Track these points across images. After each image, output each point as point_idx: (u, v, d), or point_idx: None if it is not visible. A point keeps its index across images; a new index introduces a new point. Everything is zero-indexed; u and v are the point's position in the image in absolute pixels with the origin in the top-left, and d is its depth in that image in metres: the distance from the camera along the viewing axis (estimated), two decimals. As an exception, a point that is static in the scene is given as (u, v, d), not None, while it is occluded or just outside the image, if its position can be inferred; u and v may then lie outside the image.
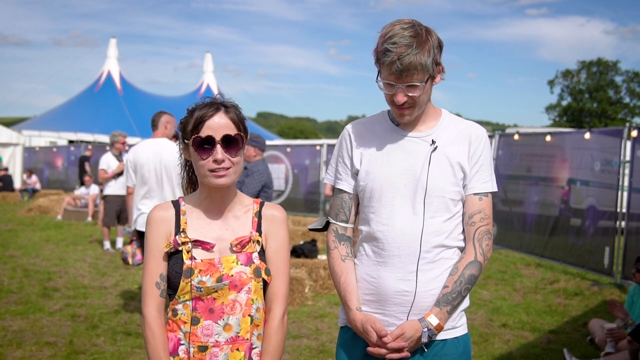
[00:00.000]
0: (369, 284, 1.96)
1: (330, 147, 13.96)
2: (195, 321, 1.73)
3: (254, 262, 1.78)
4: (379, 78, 1.90)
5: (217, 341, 1.73)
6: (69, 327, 5.04)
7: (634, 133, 7.59)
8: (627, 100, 47.10)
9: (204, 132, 1.72)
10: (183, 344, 1.75)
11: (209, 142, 1.73)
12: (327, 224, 2.09)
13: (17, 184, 19.47)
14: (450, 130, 1.98)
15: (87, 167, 14.24)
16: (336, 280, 2.01)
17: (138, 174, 4.92)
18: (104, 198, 8.93)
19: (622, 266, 7.47)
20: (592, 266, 8.07)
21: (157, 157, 4.89)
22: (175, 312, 1.76)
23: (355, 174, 2.03)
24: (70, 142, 26.21)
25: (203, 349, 1.73)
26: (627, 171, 7.72)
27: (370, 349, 1.89)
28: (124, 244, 6.25)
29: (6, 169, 19.09)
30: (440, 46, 1.88)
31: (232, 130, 1.75)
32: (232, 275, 1.74)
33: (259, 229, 1.84)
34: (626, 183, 7.71)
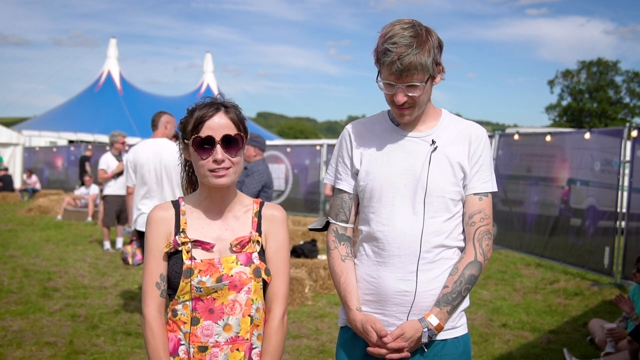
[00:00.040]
0: (369, 284, 1.96)
1: (330, 147, 13.96)
2: (195, 321, 1.73)
3: (253, 262, 1.77)
4: (379, 78, 1.90)
5: (217, 341, 1.73)
6: (69, 327, 5.04)
7: (634, 133, 7.59)
8: (627, 100, 47.11)
9: (204, 132, 1.72)
10: (183, 344, 1.75)
11: (209, 142, 1.73)
12: (327, 224, 2.09)
13: (17, 184, 19.48)
14: (450, 130, 1.98)
15: (88, 167, 14.24)
16: (336, 280, 2.01)
17: (138, 174, 4.92)
18: (104, 198, 8.93)
19: (622, 266, 7.47)
20: (592, 266, 8.06)
21: (157, 157, 4.89)
22: (175, 313, 1.76)
23: (355, 174, 2.03)
24: (70, 142, 26.23)
25: (203, 349, 1.73)
26: (627, 171, 7.72)
27: (370, 349, 1.89)
28: (124, 244, 6.25)
29: (6, 169, 19.10)
30: (440, 46, 1.88)
31: (232, 130, 1.75)
32: (231, 276, 1.74)
33: (258, 229, 1.84)
34: (626, 183, 7.71)
